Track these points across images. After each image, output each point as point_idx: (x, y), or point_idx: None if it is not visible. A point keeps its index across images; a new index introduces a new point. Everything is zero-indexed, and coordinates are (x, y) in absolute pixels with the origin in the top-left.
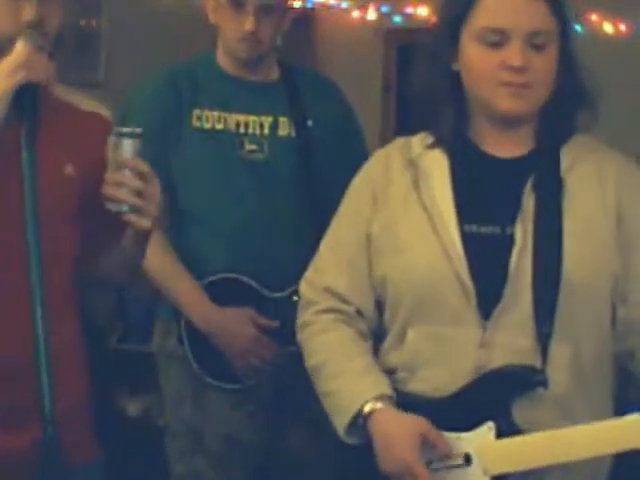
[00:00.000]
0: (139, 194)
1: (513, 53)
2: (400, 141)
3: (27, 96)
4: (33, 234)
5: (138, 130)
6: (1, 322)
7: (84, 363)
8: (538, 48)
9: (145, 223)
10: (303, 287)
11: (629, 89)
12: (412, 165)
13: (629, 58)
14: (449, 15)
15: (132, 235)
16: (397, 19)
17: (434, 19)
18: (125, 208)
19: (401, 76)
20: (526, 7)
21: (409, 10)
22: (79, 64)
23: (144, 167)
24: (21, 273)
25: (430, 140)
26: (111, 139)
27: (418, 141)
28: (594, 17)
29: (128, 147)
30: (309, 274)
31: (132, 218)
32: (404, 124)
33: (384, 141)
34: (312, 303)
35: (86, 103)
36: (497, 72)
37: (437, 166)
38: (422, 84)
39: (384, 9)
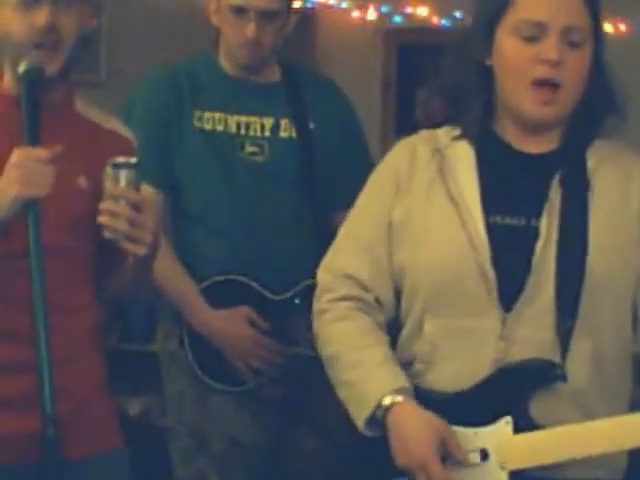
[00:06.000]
0: (132, 223)
1: (549, 46)
2: (425, 133)
3: (29, 95)
4: (35, 237)
5: (133, 160)
6: (7, 322)
7: (98, 357)
8: (574, 45)
9: (139, 251)
10: (321, 273)
11: (629, 89)
12: (439, 154)
13: (629, 58)
14: (486, 8)
15: (132, 260)
16: (397, 19)
17: (434, 19)
18: (119, 237)
19: (401, 76)
20: (564, 2)
21: (409, 10)
22: (79, 64)
23: (137, 197)
24: (25, 271)
25: (456, 132)
26: (107, 169)
27: (444, 133)
28: None
29: (123, 177)
30: (328, 260)
31: (126, 246)
32: (404, 124)
33: (384, 141)
34: (329, 290)
35: (107, 121)
36: (531, 66)
37: (463, 157)
38: (451, 77)
39: (384, 9)
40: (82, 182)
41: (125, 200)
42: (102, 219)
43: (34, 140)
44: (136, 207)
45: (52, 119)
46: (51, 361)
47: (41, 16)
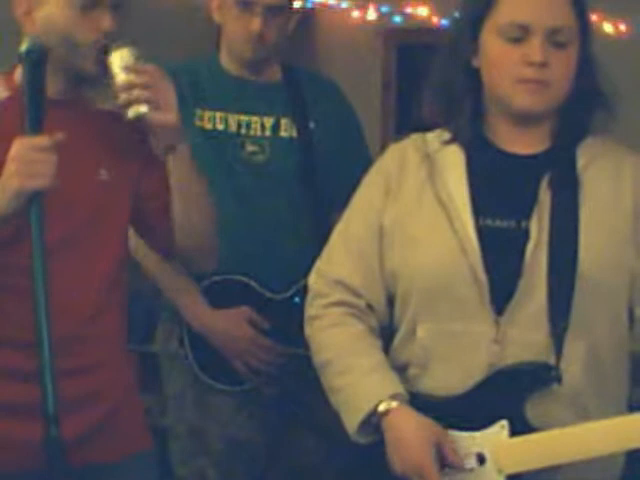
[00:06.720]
0: (151, 90)
1: (534, 49)
2: (415, 137)
3: (31, 90)
4: (37, 231)
5: (126, 40)
6: (14, 321)
7: (126, 360)
8: (559, 46)
9: (170, 117)
10: (313, 278)
11: (629, 89)
12: (428, 159)
13: (629, 58)
14: (471, 10)
15: (162, 145)
16: (397, 19)
17: (434, 19)
18: (144, 108)
19: (401, 76)
20: (548, 3)
21: (409, 10)
22: None
23: (147, 67)
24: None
25: (446, 136)
26: (109, 53)
27: (434, 137)
28: (594, 17)
29: (127, 54)
30: (320, 265)
31: (155, 116)
32: (404, 124)
33: (384, 141)
34: (321, 295)
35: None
36: (517, 68)
37: (453, 161)
38: (441, 79)
39: (384, 9)
40: (103, 174)
41: (135, 72)
42: (121, 99)
43: (35, 127)
44: (147, 75)
45: (66, 115)
46: (82, 368)
47: (105, 20)
